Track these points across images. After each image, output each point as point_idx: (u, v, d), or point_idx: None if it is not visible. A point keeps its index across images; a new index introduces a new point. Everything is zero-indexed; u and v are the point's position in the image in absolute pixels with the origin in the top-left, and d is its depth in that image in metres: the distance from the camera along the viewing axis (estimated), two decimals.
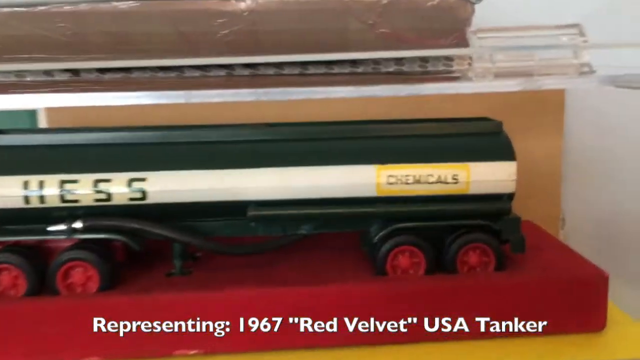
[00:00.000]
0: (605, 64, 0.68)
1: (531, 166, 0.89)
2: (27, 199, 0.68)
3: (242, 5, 0.81)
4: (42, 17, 0.78)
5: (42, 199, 0.68)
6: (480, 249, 0.73)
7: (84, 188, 0.69)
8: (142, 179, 0.69)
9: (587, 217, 1.00)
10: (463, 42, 0.91)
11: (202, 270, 0.77)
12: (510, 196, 0.73)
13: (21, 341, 0.67)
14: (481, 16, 0.82)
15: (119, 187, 0.69)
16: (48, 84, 0.80)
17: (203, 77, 0.84)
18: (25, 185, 0.68)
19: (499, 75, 0.58)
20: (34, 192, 0.68)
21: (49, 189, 0.68)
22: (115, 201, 0.69)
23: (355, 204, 0.71)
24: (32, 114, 0.86)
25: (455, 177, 0.72)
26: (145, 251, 0.77)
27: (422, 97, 0.96)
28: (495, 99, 0.91)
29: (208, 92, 0.73)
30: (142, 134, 0.72)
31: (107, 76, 0.80)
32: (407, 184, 0.71)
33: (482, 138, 0.74)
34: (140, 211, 0.70)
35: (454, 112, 0.86)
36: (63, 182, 0.68)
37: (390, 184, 0.71)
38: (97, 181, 0.69)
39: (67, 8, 0.79)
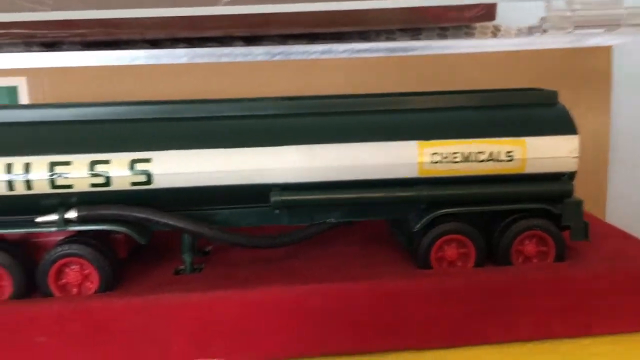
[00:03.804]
0: None
1: None
2: (10, 185, 0.58)
3: None
4: None
5: (28, 184, 0.58)
6: (537, 236, 0.64)
7: (78, 171, 0.59)
8: (147, 160, 0.59)
9: (634, 200, 0.91)
10: (490, 14, 0.84)
11: (214, 266, 0.68)
12: (571, 175, 0.64)
13: (8, 351, 0.58)
14: None
15: (119, 169, 0.59)
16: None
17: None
18: (8, 168, 0.58)
19: (580, 25, 0.48)
20: (18, 176, 0.58)
21: (36, 172, 0.58)
22: (116, 186, 0.59)
23: (393, 187, 0.62)
24: (12, 91, 0.76)
25: (510, 153, 0.62)
26: (150, 245, 0.69)
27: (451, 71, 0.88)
28: (536, 70, 0.83)
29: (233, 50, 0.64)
30: (145, 108, 0.62)
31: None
32: (454, 162, 0.62)
33: (538, 109, 0.64)
34: (145, 197, 0.60)
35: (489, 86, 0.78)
36: (53, 164, 0.58)
37: (435, 162, 0.62)
38: (94, 163, 0.59)
39: None
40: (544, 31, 0.51)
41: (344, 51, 0.67)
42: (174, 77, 0.70)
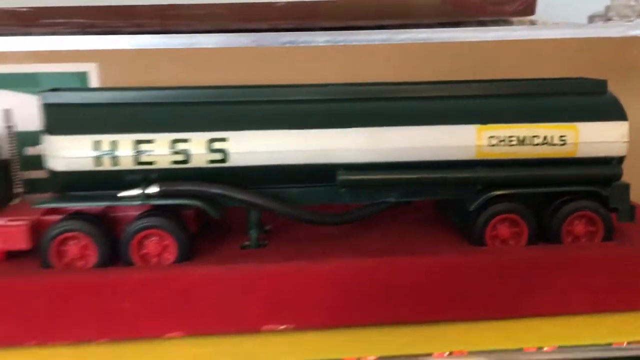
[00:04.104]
0: None
1: None
2: (98, 161, 0.63)
3: None
4: None
5: (114, 160, 0.63)
6: (586, 217, 0.68)
7: (160, 148, 0.63)
8: (223, 139, 0.63)
9: None
10: (529, 12, 0.87)
11: (277, 242, 0.72)
12: (620, 160, 0.68)
13: (94, 316, 0.61)
14: None
15: (197, 147, 0.63)
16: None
17: None
18: (97, 145, 0.62)
19: None
20: (106, 152, 0.63)
21: (122, 149, 0.62)
22: (194, 164, 0.63)
23: (452, 168, 0.66)
24: (83, 76, 0.80)
25: (563, 138, 0.66)
26: (213, 224, 0.73)
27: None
28: (580, 60, 0.86)
29: (278, 38, 0.68)
30: (222, 91, 0.66)
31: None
32: (510, 145, 0.66)
33: (589, 97, 0.68)
34: (220, 175, 0.64)
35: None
36: (138, 142, 0.63)
37: (492, 145, 0.66)
38: (175, 141, 0.63)
39: None
40: (608, 19, 0.54)
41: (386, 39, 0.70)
42: (241, 63, 0.74)
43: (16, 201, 0.73)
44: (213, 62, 0.72)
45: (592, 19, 0.58)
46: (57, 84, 0.80)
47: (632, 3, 0.52)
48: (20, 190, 0.73)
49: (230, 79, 0.75)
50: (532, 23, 0.91)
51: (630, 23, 0.54)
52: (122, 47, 0.66)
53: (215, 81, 0.74)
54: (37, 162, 0.76)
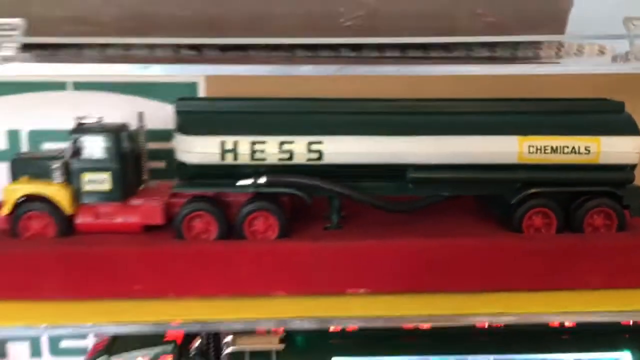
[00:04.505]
0: None
1: None
2: (223, 156, 0.80)
3: None
4: None
5: (235, 156, 0.80)
6: (604, 212, 0.84)
7: (270, 148, 0.80)
8: (319, 142, 0.80)
9: None
10: (560, 31, 1.02)
11: (352, 226, 0.88)
12: (633, 167, 0.84)
13: (217, 276, 0.79)
14: None
15: (299, 148, 0.80)
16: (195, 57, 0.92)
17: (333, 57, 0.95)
18: (223, 144, 0.80)
19: None
20: (229, 150, 0.80)
21: (242, 148, 0.80)
22: (295, 160, 0.80)
23: (499, 170, 0.82)
24: (192, 86, 0.97)
25: (588, 148, 0.82)
26: (298, 211, 0.90)
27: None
28: (597, 82, 1.01)
29: (360, 68, 0.84)
30: (319, 103, 0.83)
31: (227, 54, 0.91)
32: (545, 153, 0.82)
33: (609, 115, 0.85)
34: (316, 170, 0.81)
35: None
36: (254, 142, 0.80)
37: (530, 152, 0.82)
38: (282, 143, 0.80)
39: None
40: (627, 59, 0.70)
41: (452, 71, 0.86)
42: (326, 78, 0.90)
43: (144, 186, 0.90)
44: (305, 77, 0.88)
45: (614, 58, 0.74)
46: (172, 92, 0.98)
47: None
48: (145, 177, 0.90)
49: (318, 91, 0.92)
50: (560, 45, 1.06)
51: None
52: (230, 73, 0.82)
53: (306, 93, 0.91)
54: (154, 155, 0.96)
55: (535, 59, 0.94)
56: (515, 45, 0.96)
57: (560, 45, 0.99)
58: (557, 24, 0.99)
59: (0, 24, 0.63)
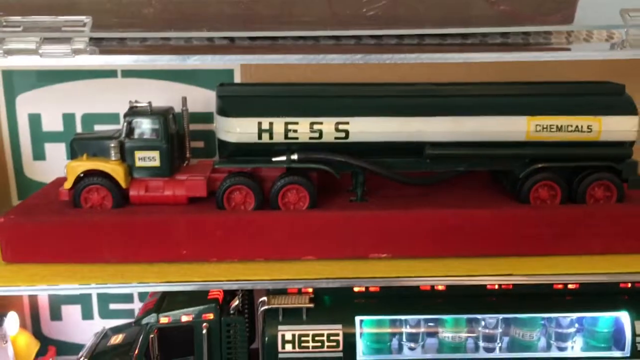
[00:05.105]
0: None
1: None
2: (260, 136, 0.89)
3: None
4: None
5: (271, 135, 0.89)
6: (604, 185, 0.92)
7: (302, 128, 0.89)
8: (346, 123, 0.89)
9: None
10: (569, 21, 1.08)
11: (375, 198, 0.97)
12: (631, 143, 0.92)
13: (255, 242, 0.88)
14: None
15: (328, 128, 0.89)
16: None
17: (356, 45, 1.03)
18: (260, 125, 0.88)
19: None
20: (265, 130, 0.89)
21: (276, 128, 0.88)
22: (324, 139, 0.89)
23: (509, 147, 0.91)
24: (229, 73, 1.06)
25: (590, 127, 0.90)
26: (323, 187, 0.98)
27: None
28: (602, 67, 1.08)
29: (382, 56, 0.92)
30: (345, 88, 0.92)
31: (258, 42, 1.00)
32: (551, 131, 0.90)
33: (611, 97, 0.92)
34: (343, 148, 0.90)
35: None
36: (287, 123, 0.88)
37: (537, 131, 0.90)
38: (312, 123, 0.88)
39: None
40: (623, 47, 0.77)
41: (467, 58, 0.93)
42: (352, 67, 0.98)
43: (187, 163, 1.00)
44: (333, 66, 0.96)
45: (612, 46, 0.81)
46: (211, 78, 1.07)
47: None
48: (189, 155, 0.99)
49: (342, 75, 1.01)
50: (569, 34, 1.13)
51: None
52: (264, 62, 0.91)
53: (333, 78, 1.00)
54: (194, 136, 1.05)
55: (546, 44, 1.02)
56: (527, 32, 1.03)
57: (569, 31, 1.06)
58: (568, 10, 1.07)
59: (72, 21, 0.72)
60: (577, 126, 0.90)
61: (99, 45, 0.87)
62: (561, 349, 0.96)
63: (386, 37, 0.98)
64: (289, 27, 0.98)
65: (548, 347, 0.97)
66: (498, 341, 0.96)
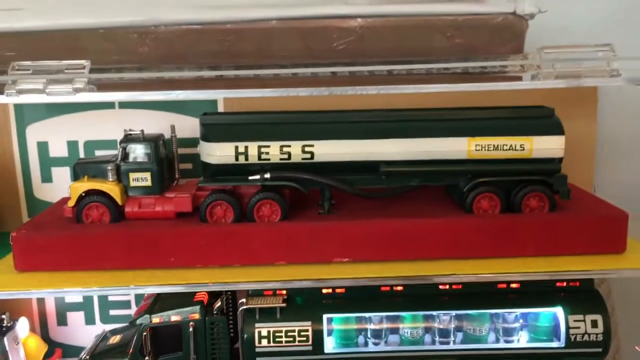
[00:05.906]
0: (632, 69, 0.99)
1: (571, 143, 1.12)
2: (237, 157, 1.02)
3: (355, 23, 1.13)
4: (209, 32, 1.12)
5: (246, 157, 1.02)
6: (538, 196, 1.05)
7: (273, 151, 1.02)
8: (311, 145, 1.02)
9: (616, 182, 1.32)
10: (519, 51, 1.21)
11: (341, 211, 1.10)
12: (560, 160, 1.04)
13: (234, 250, 1.01)
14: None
15: (296, 150, 1.02)
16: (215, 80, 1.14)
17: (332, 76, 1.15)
18: (236, 148, 1.02)
19: (558, 76, 0.90)
20: (241, 153, 1.02)
21: (251, 150, 1.02)
22: (293, 160, 1.02)
23: (453, 164, 1.04)
24: (213, 103, 1.21)
25: (522, 145, 1.03)
26: (293, 202, 1.11)
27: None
28: (543, 94, 1.21)
29: (345, 88, 1.06)
30: (309, 115, 1.05)
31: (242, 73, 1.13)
32: (489, 150, 1.03)
33: (541, 119, 1.05)
34: (309, 167, 1.03)
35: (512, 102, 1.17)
36: (260, 146, 1.02)
37: (477, 150, 1.03)
38: (282, 146, 1.02)
39: (229, 26, 1.13)
40: (538, 79, 0.91)
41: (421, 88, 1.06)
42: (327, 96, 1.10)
43: (176, 183, 1.13)
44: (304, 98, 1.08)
45: (532, 77, 0.95)
46: (197, 108, 1.21)
47: (551, 70, 0.88)
48: (177, 176, 1.13)
49: (315, 101, 1.10)
50: (524, 57, 1.25)
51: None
52: (242, 96, 1.04)
53: (305, 104, 1.10)
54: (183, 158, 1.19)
55: (500, 73, 1.15)
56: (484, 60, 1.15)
57: (524, 57, 1.18)
58: (517, 42, 1.21)
59: (73, 64, 0.86)
60: (511, 145, 1.03)
61: (100, 81, 1.01)
62: (508, 342, 1.09)
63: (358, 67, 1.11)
64: (269, 60, 1.13)
65: (497, 341, 1.09)
66: (452, 336, 1.09)
